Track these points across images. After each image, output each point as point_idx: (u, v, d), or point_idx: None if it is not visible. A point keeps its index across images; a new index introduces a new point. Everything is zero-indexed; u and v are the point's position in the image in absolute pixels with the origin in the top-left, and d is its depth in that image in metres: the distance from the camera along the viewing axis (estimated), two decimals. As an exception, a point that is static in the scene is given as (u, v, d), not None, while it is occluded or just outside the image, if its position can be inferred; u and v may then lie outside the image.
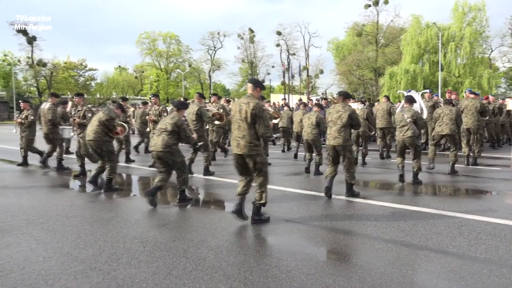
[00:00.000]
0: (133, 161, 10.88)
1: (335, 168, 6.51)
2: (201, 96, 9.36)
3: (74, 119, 8.66)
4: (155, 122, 9.43)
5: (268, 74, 63.82)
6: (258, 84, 5.04)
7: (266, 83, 65.76)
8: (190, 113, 8.48)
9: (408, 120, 7.52)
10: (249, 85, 5.05)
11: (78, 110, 8.71)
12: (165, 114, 9.53)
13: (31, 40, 50.27)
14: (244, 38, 61.53)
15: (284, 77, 51.35)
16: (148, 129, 11.00)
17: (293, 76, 56.78)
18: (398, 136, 7.74)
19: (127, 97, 64.99)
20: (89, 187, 7.34)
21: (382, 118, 11.41)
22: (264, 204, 5.11)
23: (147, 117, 10.38)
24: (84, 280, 3.38)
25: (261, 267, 3.64)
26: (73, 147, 10.61)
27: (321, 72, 60.16)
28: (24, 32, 49.59)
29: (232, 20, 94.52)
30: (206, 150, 8.57)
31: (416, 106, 11.22)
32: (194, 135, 7.06)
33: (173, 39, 67.40)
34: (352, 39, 54.18)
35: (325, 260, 3.84)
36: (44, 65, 51.89)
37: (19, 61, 53.89)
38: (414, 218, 5.19)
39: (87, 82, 63.66)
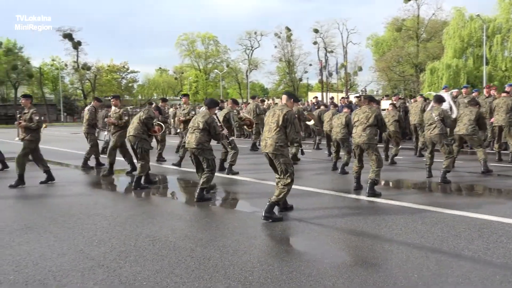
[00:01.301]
0: (165, 160, 11.11)
1: (361, 164, 6.76)
2: (235, 102, 9.66)
3: (110, 120, 8.98)
4: (185, 122, 9.65)
5: (306, 72, 63.30)
6: (292, 97, 5.51)
7: (304, 82, 65.70)
8: (220, 115, 8.75)
9: (436, 118, 7.53)
10: (284, 96, 5.49)
11: (116, 112, 9.00)
12: (193, 113, 9.74)
13: (76, 45, 52.51)
14: (281, 37, 61.28)
15: (321, 75, 50.67)
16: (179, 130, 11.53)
17: (330, 74, 56.08)
18: (426, 134, 7.78)
19: (167, 98, 66.92)
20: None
21: (415, 115, 11.37)
22: (278, 203, 5.19)
23: (176, 118, 10.71)
24: (90, 277, 3.49)
25: (263, 267, 3.62)
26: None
27: (360, 69, 58.96)
28: (70, 37, 51.87)
29: (269, 19, 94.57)
30: (233, 148, 8.67)
31: (445, 105, 10.86)
32: (225, 131, 7.27)
33: (211, 40, 68.29)
34: (392, 35, 52.75)
35: (330, 261, 3.76)
36: (88, 68, 54.08)
37: (65, 65, 56.47)
38: (433, 219, 4.99)
39: (129, 84, 65.80)
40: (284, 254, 4.01)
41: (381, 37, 58.39)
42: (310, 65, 62.12)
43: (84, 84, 56.18)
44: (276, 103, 11.51)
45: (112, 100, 9.48)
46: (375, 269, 3.55)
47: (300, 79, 63.92)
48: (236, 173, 8.65)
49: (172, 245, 4.28)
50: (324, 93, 48.77)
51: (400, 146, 10.08)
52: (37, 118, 7.79)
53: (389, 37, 54.21)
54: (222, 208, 6.23)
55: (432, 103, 8.49)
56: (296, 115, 5.54)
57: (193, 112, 9.67)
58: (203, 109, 7.66)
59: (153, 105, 8.24)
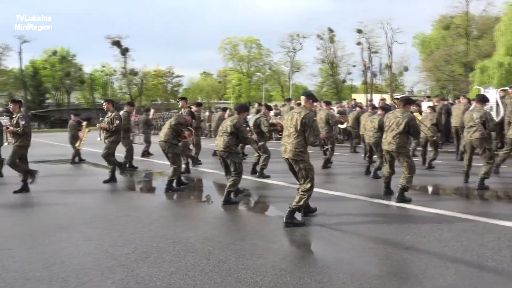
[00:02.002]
0: (201, 163, 11.32)
1: (392, 170, 6.56)
2: (268, 107, 9.72)
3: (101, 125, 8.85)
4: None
5: (349, 73, 62.34)
6: (310, 97, 5.40)
7: (347, 83, 64.56)
8: (251, 120, 8.88)
9: (477, 120, 7.08)
10: (302, 97, 5.41)
11: (108, 116, 8.80)
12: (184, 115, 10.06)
13: (124, 51, 54.65)
14: (324, 38, 60.73)
15: (365, 76, 49.64)
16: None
17: (375, 75, 54.86)
18: (466, 137, 7.36)
19: (211, 101, 67.94)
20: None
21: (457, 117, 10.85)
22: (299, 209, 5.17)
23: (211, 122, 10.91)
24: (109, 276, 3.66)
25: (276, 272, 3.64)
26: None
27: (406, 69, 57.30)
28: (118, 44, 54.07)
29: (311, 21, 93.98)
30: (264, 152, 8.74)
31: (490, 105, 10.31)
32: (254, 136, 7.33)
33: (254, 43, 68.79)
34: (439, 33, 50.85)
35: (344, 268, 3.71)
36: (135, 74, 56.14)
37: (114, 71, 58.92)
38: (460, 227, 4.79)
39: (174, 88, 67.54)
40: (299, 259, 4.01)
41: (428, 36, 56.36)
42: (354, 66, 61.13)
43: (131, 89, 58.29)
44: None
45: (104, 104, 9.15)
46: (389, 278, 3.47)
47: (344, 81, 63.00)
48: (268, 177, 8.69)
49: (191, 247, 4.39)
50: (368, 95, 47.78)
51: (440, 150, 9.72)
52: (23, 123, 7.66)
53: (436, 36, 52.30)
54: (247, 211, 6.30)
55: (474, 103, 8.13)
56: (314, 118, 5.43)
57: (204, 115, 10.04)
58: (219, 113, 7.91)
59: (186, 110, 8.40)
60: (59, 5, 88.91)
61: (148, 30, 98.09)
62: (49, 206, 6.72)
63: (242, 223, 5.47)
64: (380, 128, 8.13)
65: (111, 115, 8.66)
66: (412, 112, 6.90)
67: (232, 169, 6.42)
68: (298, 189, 5.20)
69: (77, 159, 12.80)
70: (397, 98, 18.64)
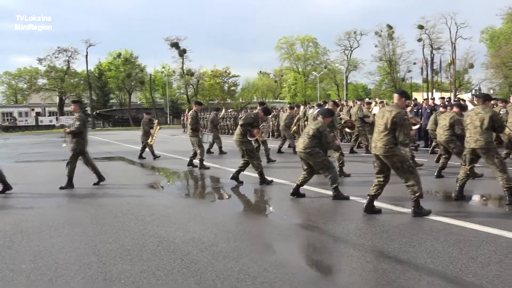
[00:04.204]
0: (274, 161, 11.46)
1: (472, 170, 6.31)
2: (335, 104, 9.71)
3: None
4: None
5: (409, 71, 59.86)
6: (403, 95, 5.46)
7: (408, 81, 61.93)
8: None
9: None
10: (395, 95, 5.53)
11: (73, 118, 8.78)
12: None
13: (182, 52, 56.52)
14: (382, 36, 58.87)
15: (423, 73, 47.43)
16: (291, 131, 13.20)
17: (436, 73, 52.16)
18: None
19: (267, 100, 68.36)
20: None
21: None
22: (421, 196, 5.24)
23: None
24: (82, 271, 3.83)
25: (239, 276, 3.61)
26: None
27: (471, 66, 53.88)
28: (176, 45, 56.02)
29: (370, 18, 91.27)
30: (337, 150, 8.73)
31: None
32: (337, 142, 7.31)
33: (311, 42, 68.24)
34: (511, 27, 47.47)
35: (309, 273, 3.61)
36: (192, 74, 57.85)
37: (173, 72, 61.13)
38: (459, 238, 4.44)
39: (231, 88, 68.76)
40: (271, 264, 3.93)
41: (498, 30, 52.80)
42: (414, 63, 58.72)
43: (188, 89, 60.15)
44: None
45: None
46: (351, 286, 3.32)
47: (403, 79, 60.58)
48: (348, 175, 8.64)
49: (174, 246, 4.47)
50: (430, 93, 45.56)
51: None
52: (78, 124, 7.92)
53: (507, 30, 48.83)
54: (250, 213, 6.30)
55: None
56: (406, 117, 5.43)
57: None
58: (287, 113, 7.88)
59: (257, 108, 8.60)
60: (120, 8, 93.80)
61: (206, 31, 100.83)
62: (63, 201, 7.13)
63: (238, 224, 5.46)
64: (452, 126, 7.87)
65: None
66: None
67: (319, 170, 6.50)
68: (406, 185, 5.31)
69: (151, 156, 13.17)
70: (474, 95, 17.35)
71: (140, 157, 13.41)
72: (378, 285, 3.39)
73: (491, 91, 51.76)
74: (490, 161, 5.91)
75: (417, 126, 11.17)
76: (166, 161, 12.91)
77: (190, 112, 11.05)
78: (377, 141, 5.30)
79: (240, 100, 71.60)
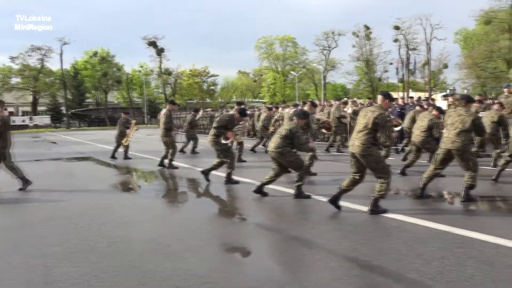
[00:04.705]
0: (245, 161, 11.35)
1: (436, 171, 6.29)
2: (313, 104, 9.66)
3: None
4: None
5: (386, 71, 60.57)
6: (387, 97, 5.48)
7: (385, 81, 62.76)
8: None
9: None
10: (379, 96, 5.52)
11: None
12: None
13: (159, 51, 55.94)
14: (360, 36, 59.38)
15: (398, 73, 48.12)
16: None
17: (412, 73, 53.00)
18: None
19: (246, 100, 68.26)
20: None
21: None
22: (383, 197, 5.33)
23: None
24: (23, 275, 3.72)
25: (186, 277, 3.56)
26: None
27: (445, 66, 54.86)
28: (154, 44, 55.42)
29: (348, 18, 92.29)
30: (310, 151, 8.61)
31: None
32: (311, 144, 7.30)
33: (290, 42, 68.47)
34: (483, 28, 48.52)
35: (262, 274, 3.59)
36: (169, 73, 57.30)
37: (151, 71, 60.43)
38: (452, 245, 4.36)
39: (210, 88, 68.39)
40: (218, 264, 3.90)
41: (471, 31, 53.99)
42: (391, 63, 59.28)
43: (166, 89, 59.57)
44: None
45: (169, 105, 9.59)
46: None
47: (380, 79, 61.36)
48: (314, 174, 8.63)
49: (125, 248, 4.38)
50: (406, 93, 46.26)
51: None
52: None
53: (479, 31, 49.95)
54: (216, 212, 6.25)
55: None
56: (388, 118, 5.48)
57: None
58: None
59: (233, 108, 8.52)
60: (100, 5, 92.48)
61: (185, 30, 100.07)
62: (28, 203, 6.93)
63: (197, 224, 5.39)
64: (430, 128, 7.93)
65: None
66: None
67: (292, 169, 6.48)
68: (378, 181, 5.34)
69: (122, 156, 12.91)
70: (445, 95, 17.48)
71: (112, 157, 13.18)
72: (321, 284, 3.38)
73: (465, 91, 52.95)
74: (464, 162, 5.95)
75: (399, 128, 11.28)
76: (137, 161, 12.71)
77: (164, 111, 10.77)
78: (355, 140, 5.31)
79: (220, 100, 71.31)
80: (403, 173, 8.32)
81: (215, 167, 8.05)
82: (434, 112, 8.27)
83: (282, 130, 6.59)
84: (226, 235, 4.88)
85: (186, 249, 4.29)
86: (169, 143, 10.24)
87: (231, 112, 8.49)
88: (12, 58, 50.69)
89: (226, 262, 3.94)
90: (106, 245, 4.49)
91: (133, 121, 13.53)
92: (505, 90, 11.58)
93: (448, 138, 6.01)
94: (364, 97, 47.95)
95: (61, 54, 50.51)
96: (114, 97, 63.93)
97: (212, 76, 67.06)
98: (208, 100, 65.88)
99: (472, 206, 5.86)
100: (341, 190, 5.53)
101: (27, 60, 51.33)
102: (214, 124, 7.96)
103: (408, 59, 53.15)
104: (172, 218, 5.77)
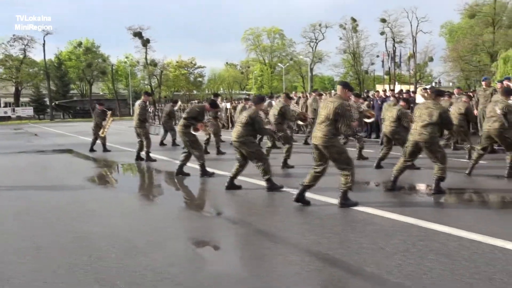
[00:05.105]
0: (224, 153, 11.30)
1: (406, 163, 6.27)
2: (288, 96, 9.63)
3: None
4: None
5: (372, 64, 60.86)
6: (346, 86, 5.50)
7: (371, 74, 63.05)
8: (274, 109, 8.85)
9: (499, 111, 6.91)
10: (338, 86, 5.55)
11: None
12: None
13: (145, 42, 55.27)
14: (346, 28, 59.44)
15: (384, 66, 48.33)
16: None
17: (398, 65, 53.28)
18: (485, 126, 7.23)
19: (233, 92, 67.98)
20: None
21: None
22: (350, 188, 5.30)
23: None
24: (-21, 271, 3.64)
25: (144, 272, 3.51)
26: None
27: (431, 59, 55.29)
28: (139, 35, 54.73)
29: (335, 10, 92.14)
30: (287, 142, 8.69)
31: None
32: (272, 127, 7.53)
33: (277, 34, 68.24)
34: (468, 22, 48.89)
35: (217, 268, 3.56)
36: (155, 65, 56.69)
37: (137, 62, 59.72)
38: (391, 230, 4.51)
39: (198, 79, 67.93)
40: (178, 259, 3.86)
41: (457, 25, 54.37)
42: (377, 56, 59.49)
43: (152, 80, 59.01)
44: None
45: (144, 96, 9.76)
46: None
47: (366, 71, 61.62)
48: (292, 167, 8.60)
49: (86, 243, 4.31)
50: (391, 85, 46.51)
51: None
52: None
53: (464, 25, 50.32)
54: (187, 206, 6.20)
55: (498, 95, 7.77)
56: (349, 107, 5.44)
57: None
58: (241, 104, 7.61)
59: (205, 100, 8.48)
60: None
61: (172, 21, 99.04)
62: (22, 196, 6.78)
63: (164, 218, 5.34)
64: (398, 119, 8.06)
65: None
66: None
67: (252, 161, 6.43)
68: (340, 174, 5.32)
69: (101, 148, 12.80)
70: (425, 88, 17.63)
71: (91, 150, 13.00)
72: (278, 278, 3.36)
73: (450, 84, 53.47)
74: (432, 154, 6.00)
75: (372, 120, 11.29)
76: (116, 153, 12.56)
77: (139, 102, 10.56)
78: (317, 131, 5.31)
79: (207, 92, 70.90)
80: (378, 166, 8.36)
81: (184, 162, 7.99)
82: (401, 103, 8.40)
83: (242, 118, 6.57)
84: (192, 230, 4.84)
85: (149, 244, 4.24)
86: (143, 135, 10.12)
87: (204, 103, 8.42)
88: (-7, 48, 49.66)
89: (188, 257, 3.90)
90: (70, 240, 4.42)
91: (109, 113, 13.35)
92: (483, 83, 11.70)
93: (416, 130, 6.06)
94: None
95: (43, 44, 49.64)
96: (99, 88, 63.12)
97: (199, 67, 66.70)
98: (195, 92, 65.46)
99: (442, 198, 5.90)
100: (303, 186, 5.50)
101: (9, 50, 50.32)
102: (184, 115, 7.91)
103: (394, 51, 53.45)
104: (142, 212, 5.70)
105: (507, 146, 7.02)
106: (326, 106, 5.30)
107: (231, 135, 6.72)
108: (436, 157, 5.97)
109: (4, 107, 53.36)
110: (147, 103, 11.41)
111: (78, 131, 24.93)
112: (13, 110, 48.70)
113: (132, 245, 4.20)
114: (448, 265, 3.49)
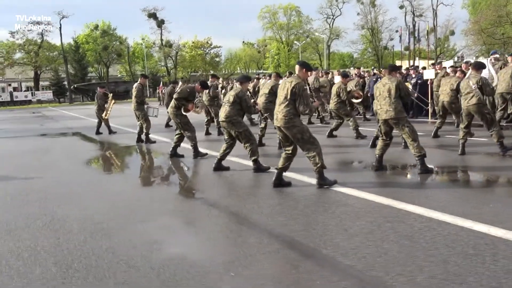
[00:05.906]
0: (210, 134, 11.40)
1: (385, 142, 6.19)
2: (278, 75, 9.64)
3: None
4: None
5: (392, 39, 59.18)
6: (304, 66, 5.38)
7: (390, 50, 61.44)
8: (265, 88, 8.92)
9: (473, 86, 6.81)
10: (296, 66, 5.45)
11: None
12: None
13: (160, 23, 55.18)
14: (364, 3, 57.89)
15: (401, 41, 46.98)
16: None
17: (418, 40, 51.72)
18: (463, 104, 7.10)
19: (250, 71, 67.43)
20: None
21: (503, 82, 9.78)
22: (322, 166, 5.24)
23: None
24: (-52, 253, 3.76)
25: (104, 255, 3.57)
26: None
27: (452, 33, 53.51)
28: (154, 16, 54.63)
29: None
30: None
31: (485, 73, 9.38)
32: (259, 106, 7.76)
33: (293, 10, 67.03)
34: (493, -8, 46.85)
35: (160, 254, 3.59)
36: (170, 46, 56.62)
37: (153, 43, 59.82)
38: (357, 210, 4.44)
39: (215, 59, 67.64)
40: (141, 242, 3.90)
41: (480, -4, 52.24)
42: (396, 31, 57.85)
43: (168, 61, 59.06)
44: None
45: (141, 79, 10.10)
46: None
47: (385, 47, 60.09)
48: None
49: (59, 225, 4.39)
50: (412, 61, 45.29)
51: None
52: None
53: (489, -5, 48.26)
54: (170, 188, 6.25)
55: (470, 71, 7.59)
56: (306, 87, 5.42)
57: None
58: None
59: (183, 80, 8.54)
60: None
61: (187, 0, 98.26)
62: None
63: (143, 200, 5.40)
64: (338, 95, 9.48)
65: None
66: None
67: (241, 140, 6.44)
68: (306, 156, 5.28)
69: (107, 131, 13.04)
70: (466, 62, 16.81)
71: (97, 132, 13.21)
72: (230, 262, 3.36)
73: (474, 58, 51.66)
74: (401, 130, 5.98)
75: (359, 100, 10.98)
76: (121, 135, 12.74)
77: (136, 84, 10.61)
78: (278, 113, 5.27)
79: (224, 72, 70.63)
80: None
81: (178, 144, 8.03)
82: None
83: (229, 97, 6.58)
84: (166, 212, 4.85)
85: (118, 227, 4.30)
86: (141, 117, 10.19)
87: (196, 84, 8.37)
88: (12, 33, 50.39)
89: (151, 239, 3.92)
90: (44, 223, 4.51)
91: (110, 95, 13.47)
92: (492, 57, 11.24)
93: (381, 109, 6.01)
94: (369, 66, 47.14)
95: (60, 28, 50.07)
96: (117, 70, 63.66)
97: (215, 47, 66.26)
98: (212, 72, 65.27)
99: (428, 179, 5.76)
100: (278, 170, 5.47)
101: (26, 35, 51.01)
102: (175, 96, 7.90)
103: (414, 26, 51.80)
104: (124, 195, 5.74)
105: (487, 123, 6.88)
106: (284, 87, 5.25)
107: (219, 115, 6.71)
108: (405, 132, 5.93)
109: (25, 91, 54.47)
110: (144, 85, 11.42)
111: (92, 114, 25.29)
112: (33, 94, 49.65)
113: (99, 228, 4.25)
114: (406, 247, 3.42)
